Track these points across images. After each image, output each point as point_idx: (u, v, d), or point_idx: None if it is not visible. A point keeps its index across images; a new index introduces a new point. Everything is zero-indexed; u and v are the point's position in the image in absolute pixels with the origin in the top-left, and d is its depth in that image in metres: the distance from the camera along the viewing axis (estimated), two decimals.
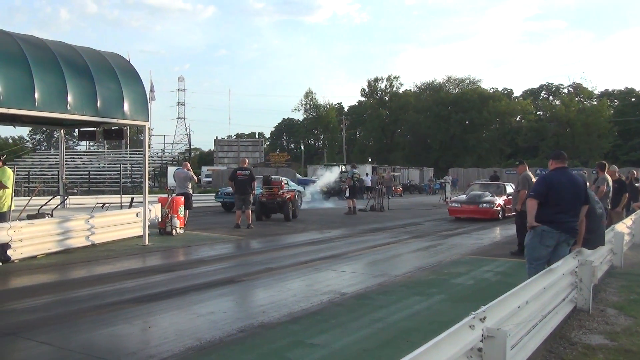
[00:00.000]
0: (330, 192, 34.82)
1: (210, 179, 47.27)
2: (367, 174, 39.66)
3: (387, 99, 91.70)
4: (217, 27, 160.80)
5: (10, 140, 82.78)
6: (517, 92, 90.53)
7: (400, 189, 46.58)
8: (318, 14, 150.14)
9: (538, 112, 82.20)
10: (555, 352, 5.30)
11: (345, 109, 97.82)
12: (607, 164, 12.28)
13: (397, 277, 9.04)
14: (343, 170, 40.06)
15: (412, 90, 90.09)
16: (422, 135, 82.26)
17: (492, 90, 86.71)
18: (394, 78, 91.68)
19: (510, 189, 21.03)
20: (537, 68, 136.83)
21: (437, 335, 3.29)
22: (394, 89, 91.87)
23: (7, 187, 9.83)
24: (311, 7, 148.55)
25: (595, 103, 76.63)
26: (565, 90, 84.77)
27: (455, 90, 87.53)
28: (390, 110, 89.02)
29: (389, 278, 8.93)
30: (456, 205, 20.98)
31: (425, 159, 75.98)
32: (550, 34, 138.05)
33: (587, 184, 7.49)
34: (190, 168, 16.41)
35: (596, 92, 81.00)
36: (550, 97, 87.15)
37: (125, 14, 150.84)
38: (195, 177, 17.55)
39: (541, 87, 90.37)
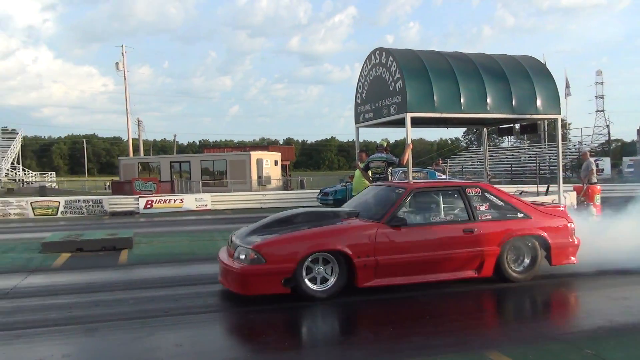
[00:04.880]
0: None
1: (632, 169, 41.24)
2: None
3: None
4: (635, 16, 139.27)
5: (448, 142, 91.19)
6: None
7: None
8: None
9: None
10: None
11: None
12: None
13: None
14: None
15: None
16: None
17: None
18: None
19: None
20: None
21: None
22: None
23: None
24: None
25: None
26: None
27: None
28: None
29: None
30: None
31: None
32: None
33: None
34: (588, 157, 14.72)
35: None
36: None
37: (540, 20, 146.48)
38: (594, 168, 15.14)
39: None
